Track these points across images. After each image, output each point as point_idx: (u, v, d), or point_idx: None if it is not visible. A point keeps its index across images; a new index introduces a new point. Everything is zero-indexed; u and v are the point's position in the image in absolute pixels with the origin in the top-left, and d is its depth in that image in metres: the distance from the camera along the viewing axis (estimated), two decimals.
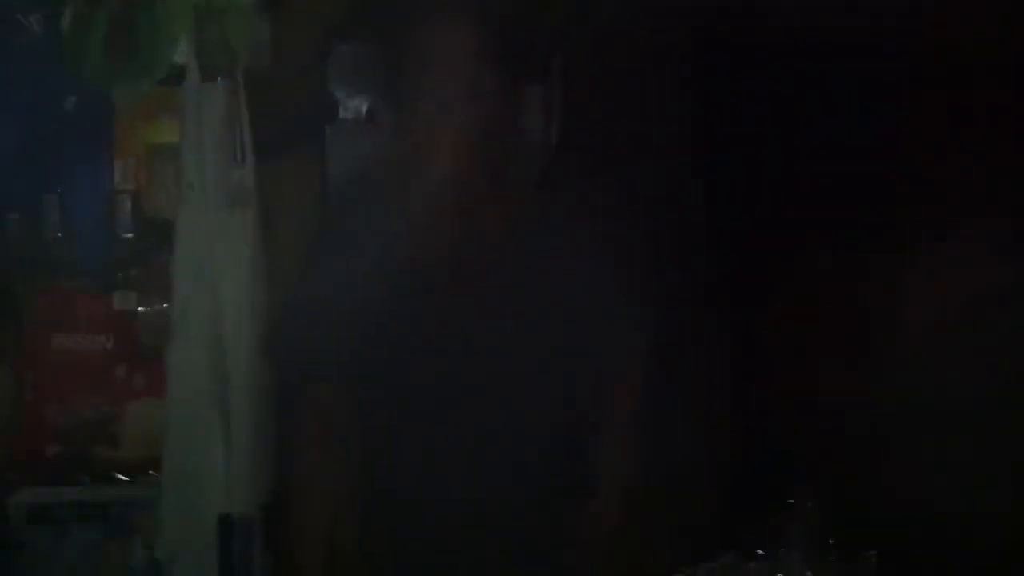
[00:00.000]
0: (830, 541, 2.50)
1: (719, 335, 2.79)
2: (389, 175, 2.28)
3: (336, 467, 2.28)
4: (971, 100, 2.75)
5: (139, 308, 2.50)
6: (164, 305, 2.45)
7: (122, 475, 2.50)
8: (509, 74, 2.21)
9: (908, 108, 2.88)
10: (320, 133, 2.54)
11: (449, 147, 2.16)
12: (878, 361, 2.65)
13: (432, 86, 2.15)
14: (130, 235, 2.49)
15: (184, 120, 2.38)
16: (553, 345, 2.25)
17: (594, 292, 2.27)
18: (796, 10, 2.67)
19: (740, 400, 2.88)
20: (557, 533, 2.31)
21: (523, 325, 2.24)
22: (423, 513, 2.25)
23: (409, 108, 2.21)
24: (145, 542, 2.47)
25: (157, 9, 2.33)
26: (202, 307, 2.39)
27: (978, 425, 2.53)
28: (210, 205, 2.37)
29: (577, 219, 2.29)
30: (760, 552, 2.30)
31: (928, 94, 2.86)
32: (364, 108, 2.62)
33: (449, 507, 2.24)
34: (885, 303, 2.67)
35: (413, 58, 2.17)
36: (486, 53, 2.16)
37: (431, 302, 2.21)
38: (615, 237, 2.33)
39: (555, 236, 2.27)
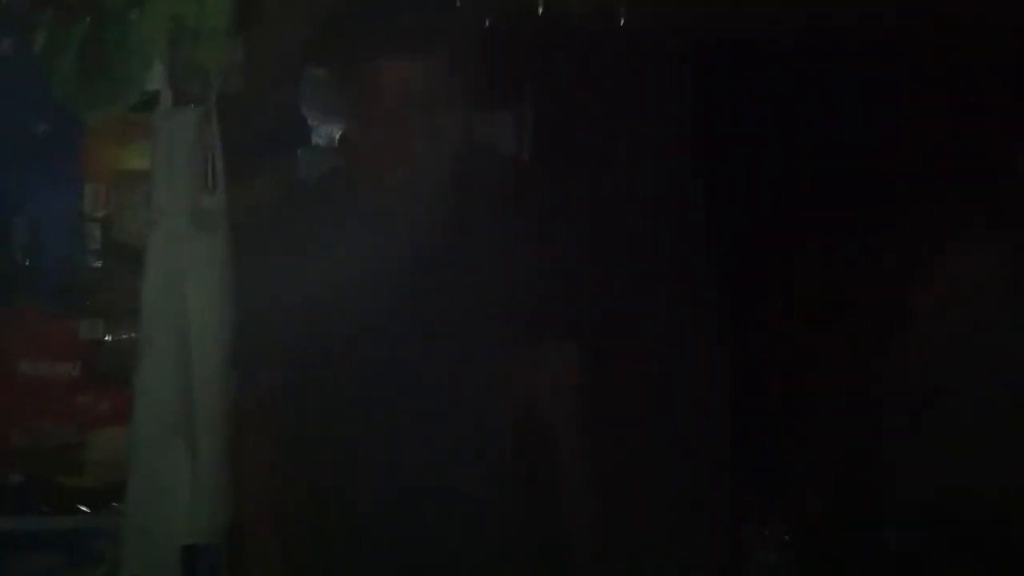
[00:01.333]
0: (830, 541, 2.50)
1: (718, 337, 2.79)
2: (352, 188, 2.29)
3: (291, 489, 2.28)
4: (969, 100, 2.76)
5: (106, 335, 2.47)
6: (132, 333, 2.42)
7: (85, 504, 2.46)
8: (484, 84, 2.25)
9: (907, 108, 2.89)
10: (293, 157, 2.53)
11: (414, 158, 2.17)
12: (878, 361, 2.65)
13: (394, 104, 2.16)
14: (99, 262, 2.46)
15: (155, 146, 2.36)
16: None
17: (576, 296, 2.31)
18: (791, 11, 2.69)
19: (738, 400, 2.87)
20: (530, 540, 2.31)
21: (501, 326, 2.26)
22: (387, 523, 2.24)
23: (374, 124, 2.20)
24: (108, 571, 2.43)
25: (129, 33, 2.33)
26: (170, 334, 2.36)
27: (981, 424, 2.54)
28: (180, 232, 2.35)
29: (558, 224, 2.32)
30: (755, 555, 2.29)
31: (927, 94, 2.88)
32: (336, 132, 2.62)
33: (417, 513, 2.24)
34: (885, 303, 2.66)
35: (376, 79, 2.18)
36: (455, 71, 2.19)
37: (404, 311, 2.21)
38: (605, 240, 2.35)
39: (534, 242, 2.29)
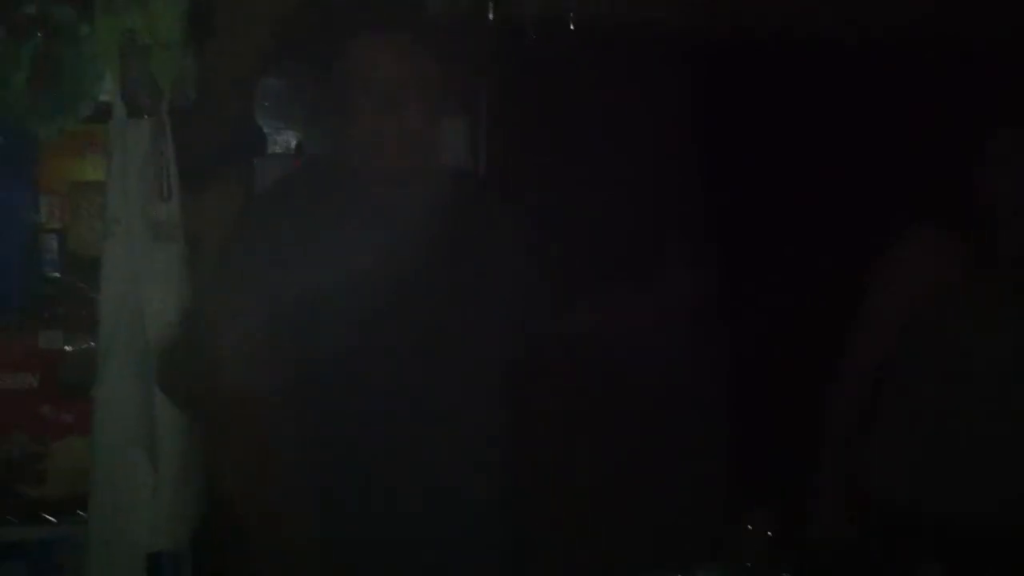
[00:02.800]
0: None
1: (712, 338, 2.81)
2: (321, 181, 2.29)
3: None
4: (961, 104, 2.80)
5: (65, 346, 2.48)
6: (90, 343, 2.44)
7: (49, 514, 2.47)
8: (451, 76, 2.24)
9: (903, 111, 2.94)
10: (248, 166, 2.54)
11: (393, 146, 2.17)
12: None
13: (373, 89, 2.16)
14: (56, 273, 2.48)
15: (109, 157, 2.38)
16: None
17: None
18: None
19: (734, 402, 2.90)
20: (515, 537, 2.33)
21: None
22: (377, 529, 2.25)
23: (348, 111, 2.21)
24: None
25: (82, 46, 2.34)
26: (128, 344, 2.39)
27: (977, 430, 2.58)
28: (136, 241, 2.38)
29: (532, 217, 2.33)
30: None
31: (921, 98, 2.93)
32: (293, 141, 2.64)
33: (403, 513, 2.24)
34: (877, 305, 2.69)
35: (352, 64, 2.18)
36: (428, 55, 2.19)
37: (378, 307, 2.20)
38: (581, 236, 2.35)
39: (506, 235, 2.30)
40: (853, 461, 2.68)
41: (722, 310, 2.89)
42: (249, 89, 2.53)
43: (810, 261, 3.08)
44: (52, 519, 2.47)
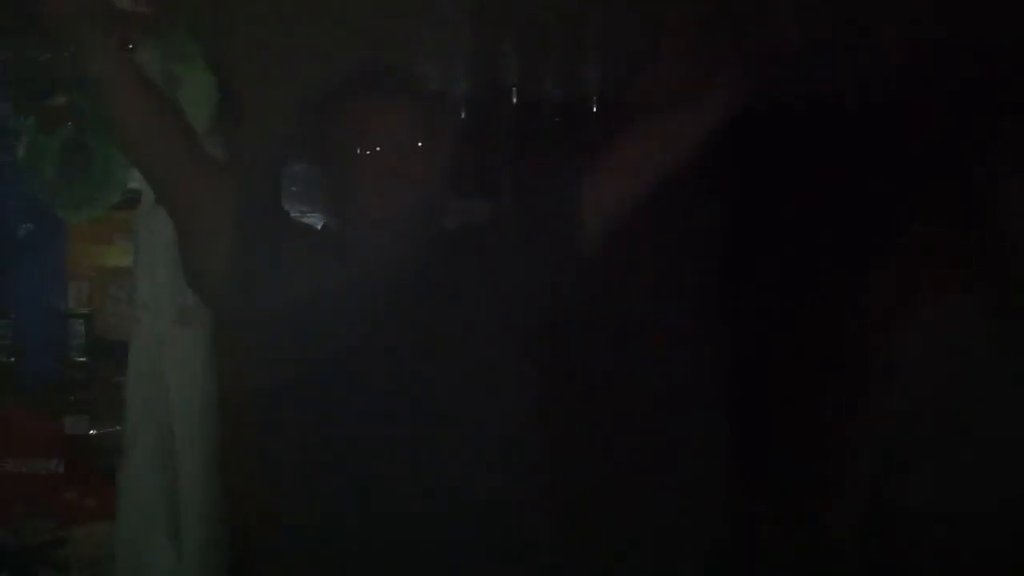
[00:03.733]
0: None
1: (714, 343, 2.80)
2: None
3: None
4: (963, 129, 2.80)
5: (91, 431, 2.49)
6: (116, 427, 2.45)
7: None
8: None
9: (903, 110, 2.94)
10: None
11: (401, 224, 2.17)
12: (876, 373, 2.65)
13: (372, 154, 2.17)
14: (83, 358, 2.50)
15: (137, 243, 2.41)
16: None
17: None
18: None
19: (735, 401, 2.88)
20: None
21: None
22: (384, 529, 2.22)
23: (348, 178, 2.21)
24: None
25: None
26: (154, 429, 2.40)
27: (977, 425, 2.55)
28: (163, 327, 2.40)
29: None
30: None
31: (921, 98, 2.93)
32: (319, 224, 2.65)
33: (404, 514, 2.22)
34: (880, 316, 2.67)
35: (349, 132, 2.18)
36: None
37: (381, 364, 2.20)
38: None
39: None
40: (854, 461, 2.65)
41: (723, 310, 2.88)
42: (275, 172, 2.56)
43: (811, 261, 3.06)
44: None
